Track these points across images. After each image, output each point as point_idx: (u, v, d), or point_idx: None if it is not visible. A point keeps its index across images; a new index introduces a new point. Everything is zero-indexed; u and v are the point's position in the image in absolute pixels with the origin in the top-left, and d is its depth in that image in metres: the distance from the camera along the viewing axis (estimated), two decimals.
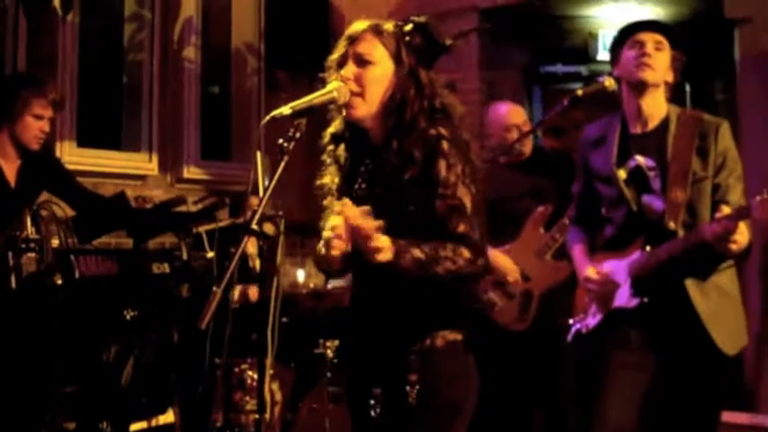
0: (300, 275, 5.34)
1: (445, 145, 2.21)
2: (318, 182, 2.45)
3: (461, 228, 2.19)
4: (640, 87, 3.11)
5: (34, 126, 3.98)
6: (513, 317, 4.25)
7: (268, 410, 3.84)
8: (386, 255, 2.09)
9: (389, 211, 2.12)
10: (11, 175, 4.02)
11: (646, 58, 3.07)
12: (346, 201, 2.11)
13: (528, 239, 4.26)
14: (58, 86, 4.29)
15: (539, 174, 4.35)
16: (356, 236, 2.08)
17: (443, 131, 2.23)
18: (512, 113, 4.47)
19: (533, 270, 4.22)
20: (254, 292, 4.44)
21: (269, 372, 2.94)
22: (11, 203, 3.88)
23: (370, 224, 2.06)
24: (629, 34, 3.18)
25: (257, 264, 4.03)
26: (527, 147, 4.47)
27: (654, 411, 3.06)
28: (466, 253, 2.18)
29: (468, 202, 2.21)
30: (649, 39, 3.11)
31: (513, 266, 4.24)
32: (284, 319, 4.30)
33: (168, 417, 4.35)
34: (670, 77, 3.15)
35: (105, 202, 4.36)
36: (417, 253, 2.13)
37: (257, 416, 3.87)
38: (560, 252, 4.09)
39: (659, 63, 3.10)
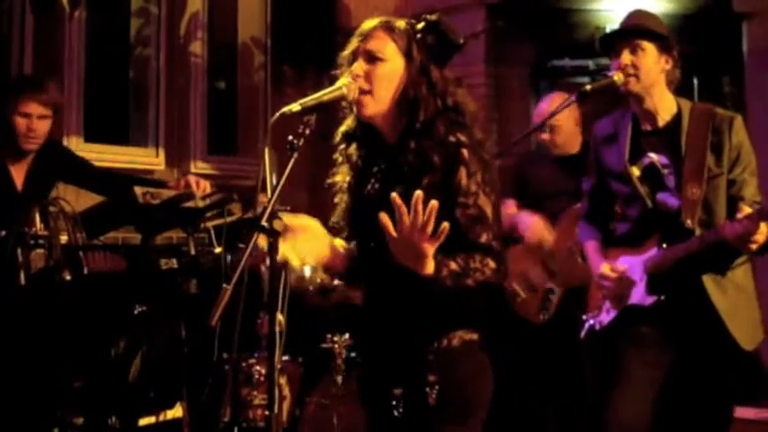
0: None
1: (465, 153, 2.19)
2: (330, 180, 2.44)
3: (484, 238, 2.17)
4: (634, 95, 3.11)
5: (21, 124, 3.93)
6: (533, 310, 4.28)
7: (276, 406, 3.84)
8: (429, 267, 2.07)
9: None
10: (18, 177, 4.02)
11: (625, 69, 3.08)
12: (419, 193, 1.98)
13: (561, 236, 4.26)
14: (55, 86, 4.25)
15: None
16: (408, 242, 2.01)
17: (463, 138, 2.21)
18: (548, 110, 4.42)
19: (562, 267, 4.23)
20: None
21: (277, 367, 2.94)
22: (16, 206, 3.88)
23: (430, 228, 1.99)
24: (607, 46, 3.18)
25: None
26: (573, 142, 4.42)
27: (668, 408, 3.06)
28: (492, 263, 2.17)
29: (489, 210, 2.19)
30: (624, 47, 3.11)
31: (546, 235, 4.26)
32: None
33: (176, 412, 4.35)
34: (666, 64, 3.13)
35: (122, 182, 4.34)
36: (453, 265, 2.11)
37: (265, 411, 3.88)
38: None
39: (641, 68, 3.09)
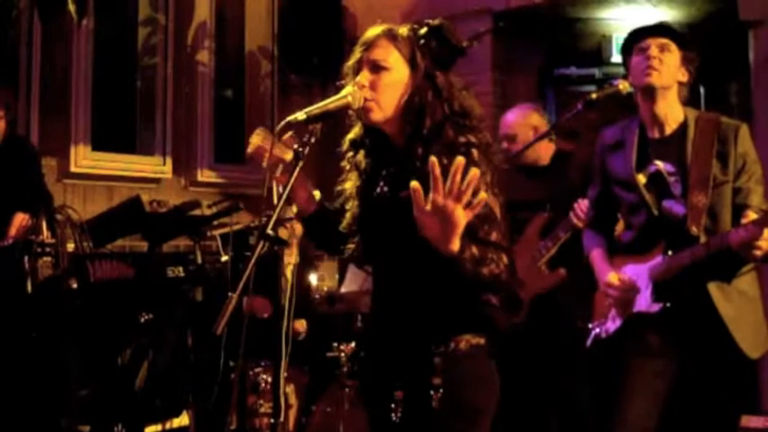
0: (313, 279, 5.35)
1: (476, 153, 2.18)
2: (339, 188, 2.43)
3: (494, 236, 2.14)
4: (650, 92, 3.11)
5: None
6: (502, 319, 4.29)
7: (282, 414, 3.83)
8: (456, 244, 2.01)
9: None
10: None
11: (650, 61, 3.08)
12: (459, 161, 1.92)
13: (526, 245, 4.26)
14: (3, 86, 4.31)
15: (559, 179, 4.32)
16: (442, 212, 1.95)
17: (473, 139, 2.20)
18: (512, 123, 4.42)
19: (526, 275, 4.23)
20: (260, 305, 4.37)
21: (283, 375, 2.94)
22: None
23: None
24: (634, 41, 3.19)
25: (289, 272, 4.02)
26: (543, 153, 4.42)
27: (674, 416, 3.05)
28: (505, 259, 2.15)
29: (497, 209, 2.18)
30: (653, 42, 3.12)
31: None
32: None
33: (182, 420, 4.36)
34: (682, 77, 3.15)
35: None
36: (475, 249, 2.07)
37: (271, 419, 3.88)
38: (554, 262, 4.10)
39: (665, 65, 3.09)
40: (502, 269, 2.14)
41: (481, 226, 2.13)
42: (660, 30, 3.17)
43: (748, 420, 4.38)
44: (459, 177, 1.91)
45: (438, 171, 1.93)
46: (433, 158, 1.93)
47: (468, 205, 1.94)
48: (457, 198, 1.93)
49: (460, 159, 1.91)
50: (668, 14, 5.93)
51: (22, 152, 4.29)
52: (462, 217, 1.96)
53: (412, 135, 2.25)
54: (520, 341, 4.27)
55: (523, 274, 4.25)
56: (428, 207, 1.96)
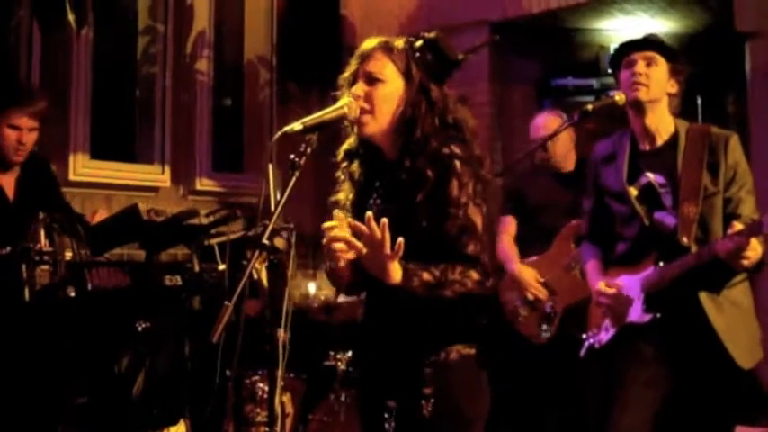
0: (312, 288, 5.35)
1: (458, 164, 2.22)
2: (333, 198, 2.45)
3: (471, 248, 2.20)
4: (639, 106, 3.14)
5: (11, 136, 3.86)
6: (536, 329, 4.28)
7: (279, 423, 3.83)
8: (395, 276, 2.11)
9: (403, 229, 2.11)
10: (9, 189, 3.97)
11: (636, 77, 3.11)
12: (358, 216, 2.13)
13: (557, 253, 4.28)
14: (43, 96, 4.19)
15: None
16: (368, 253, 2.09)
17: (456, 150, 2.24)
18: (545, 125, 4.46)
19: (559, 284, 4.23)
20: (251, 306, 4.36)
21: (280, 383, 2.94)
22: (10, 217, 3.86)
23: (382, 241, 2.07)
24: (621, 55, 3.21)
25: (263, 276, 4.02)
26: (570, 160, 4.46)
27: (668, 426, 3.05)
28: (475, 275, 2.19)
29: (478, 221, 2.22)
30: (639, 57, 3.14)
31: (535, 282, 4.27)
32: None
33: (179, 428, 4.35)
34: (671, 89, 3.17)
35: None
36: (426, 276, 2.14)
37: (267, 428, 3.88)
38: None
39: (653, 79, 3.11)
40: (470, 287, 2.19)
41: (459, 239, 2.18)
42: (646, 43, 3.19)
43: (746, 431, 4.37)
44: (373, 227, 2.07)
45: (372, 225, 2.07)
46: (369, 214, 2.09)
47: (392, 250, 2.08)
48: (379, 245, 2.08)
49: (369, 215, 2.08)
50: (665, 26, 5.95)
51: (44, 173, 4.24)
52: (388, 259, 2.09)
53: (402, 148, 2.28)
54: (547, 348, 4.28)
55: (557, 283, 4.26)
56: (364, 251, 2.11)
